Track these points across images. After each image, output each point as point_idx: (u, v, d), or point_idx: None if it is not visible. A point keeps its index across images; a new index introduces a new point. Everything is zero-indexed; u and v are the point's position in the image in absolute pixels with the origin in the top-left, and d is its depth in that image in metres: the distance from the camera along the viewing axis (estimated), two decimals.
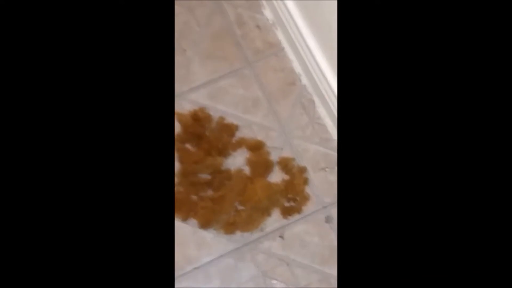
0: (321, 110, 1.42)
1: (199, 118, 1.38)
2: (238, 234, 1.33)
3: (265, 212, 1.34)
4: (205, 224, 1.32)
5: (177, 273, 1.30)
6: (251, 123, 1.41)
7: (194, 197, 1.33)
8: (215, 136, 1.37)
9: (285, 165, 1.38)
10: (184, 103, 1.41)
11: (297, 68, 1.46)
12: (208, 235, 1.33)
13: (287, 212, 1.35)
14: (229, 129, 1.39)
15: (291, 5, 1.42)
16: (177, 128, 1.38)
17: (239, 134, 1.40)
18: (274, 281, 1.31)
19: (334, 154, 1.39)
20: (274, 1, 1.45)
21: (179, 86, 1.42)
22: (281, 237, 1.34)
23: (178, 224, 1.33)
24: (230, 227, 1.32)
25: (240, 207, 1.33)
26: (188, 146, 1.37)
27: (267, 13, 1.50)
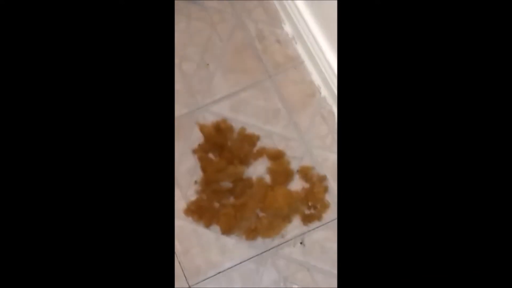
0: None
1: (221, 129, 1.43)
2: (260, 240, 1.36)
3: (286, 219, 1.37)
4: (227, 230, 1.36)
5: (200, 277, 1.34)
6: (272, 133, 1.45)
7: (217, 204, 1.37)
8: (237, 146, 1.42)
9: (305, 173, 1.41)
10: (207, 114, 1.46)
11: (317, 80, 1.50)
12: (231, 241, 1.37)
13: (307, 219, 1.38)
14: (250, 139, 1.43)
15: (310, 20, 1.47)
16: (200, 138, 1.43)
17: (260, 144, 1.44)
18: (295, 286, 1.34)
19: None
20: (294, 16, 1.50)
21: (202, 98, 1.47)
22: (301, 243, 1.37)
23: (202, 230, 1.37)
24: (251, 233, 1.35)
25: (261, 214, 1.37)
26: (211, 155, 1.42)
27: (287, 27, 1.55)
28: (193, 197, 1.39)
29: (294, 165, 1.43)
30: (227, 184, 1.39)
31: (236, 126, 1.45)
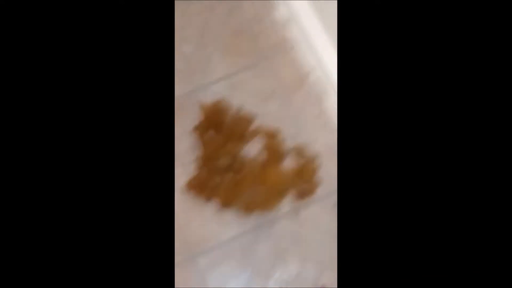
0: (333, 101, 1.53)
1: (219, 108, 1.49)
2: (257, 214, 1.43)
3: (281, 194, 1.44)
4: (226, 205, 1.43)
5: (199, 249, 1.41)
6: (268, 113, 1.51)
7: (216, 180, 1.44)
8: (234, 124, 1.48)
9: (299, 151, 1.48)
10: (206, 94, 1.52)
11: (311, 62, 1.56)
12: (229, 215, 1.43)
13: (301, 195, 1.45)
14: (247, 118, 1.50)
15: (305, 3, 1.53)
16: (199, 117, 1.49)
17: (256, 123, 1.50)
18: (289, 258, 1.41)
19: None
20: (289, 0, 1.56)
21: (201, 79, 1.53)
22: (296, 217, 1.44)
23: (201, 205, 1.44)
24: (249, 207, 1.42)
25: (258, 189, 1.44)
26: (210, 133, 1.48)
27: (283, 10, 1.60)
28: (193, 173, 1.46)
29: (289, 143, 1.49)
30: (225, 161, 1.45)
31: (234, 105, 1.51)
